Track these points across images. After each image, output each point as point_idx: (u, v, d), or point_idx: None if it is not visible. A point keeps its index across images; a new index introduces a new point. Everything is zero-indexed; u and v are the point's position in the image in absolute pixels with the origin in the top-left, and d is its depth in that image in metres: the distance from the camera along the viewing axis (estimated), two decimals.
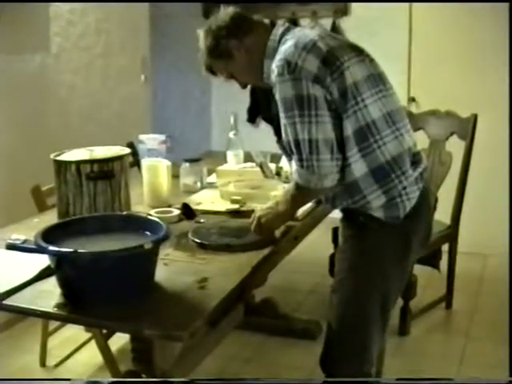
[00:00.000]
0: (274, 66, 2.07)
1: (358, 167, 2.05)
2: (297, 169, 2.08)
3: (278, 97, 2.06)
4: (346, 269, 2.17)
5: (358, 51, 2.16)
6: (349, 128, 2.03)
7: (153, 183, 2.81)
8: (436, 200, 2.32)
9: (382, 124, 2.06)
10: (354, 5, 4.87)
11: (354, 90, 2.04)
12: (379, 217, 2.10)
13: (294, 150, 2.06)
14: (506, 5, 4.21)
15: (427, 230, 2.26)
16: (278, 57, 2.07)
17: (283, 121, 2.07)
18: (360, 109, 2.03)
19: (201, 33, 2.25)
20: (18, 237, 2.24)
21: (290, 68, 2.01)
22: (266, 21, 2.22)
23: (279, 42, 2.15)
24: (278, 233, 2.35)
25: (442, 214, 3.73)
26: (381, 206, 2.08)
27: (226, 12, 2.23)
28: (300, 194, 2.16)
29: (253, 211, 2.61)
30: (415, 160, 2.14)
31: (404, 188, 2.08)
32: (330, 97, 2.02)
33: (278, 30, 2.19)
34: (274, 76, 2.06)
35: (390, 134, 2.07)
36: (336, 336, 2.19)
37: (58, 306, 1.81)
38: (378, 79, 2.14)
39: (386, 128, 2.07)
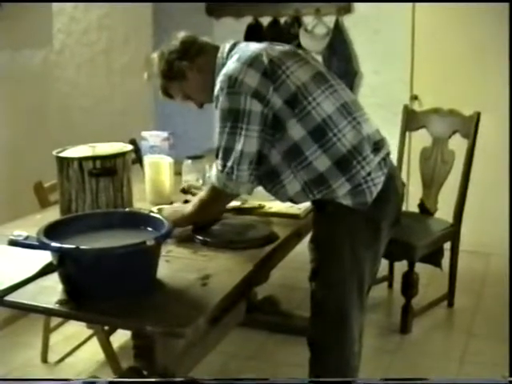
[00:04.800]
0: (218, 80, 2.18)
1: (322, 162, 2.14)
2: (217, 173, 2.20)
3: (218, 107, 2.17)
4: (321, 258, 2.26)
5: (301, 55, 2.27)
6: (302, 129, 2.13)
7: (155, 180, 2.81)
8: (403, 184, 2.41)
9: (338, 117, 2.15)
10: (357, 3, 4.86)
11: (304, 91, 2.14)
12: (347, 204, 2.17)
13: (219, 155, 2.18)
14: (506, 5, 4.20)
15: (396, 212, 2.33)
16: (222, 72, 2.18)
17: (217, 129, 2.19)
18: (313, 107, 2.13)
19: (155, 57, 2.38)
20: (20, 233, 2.24)
21: (231, 82, 2.12)
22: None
23: (227, 58, 2.25)
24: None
25: (445, 213, 3.74)
26: (347, 194, 2.16)
27: (176, 37, 2.35)
28: (212, 197, 2.27)
29: (255, 208, 2.63)
30: (377, 147, 2.21)
31: (368, 174, 2.16)
32: (269, 110, 2.12)
33: (225, 47, 2.30)
34: (216, 90, 2.18)
35: (347, 124, 2.16)
36: (319, 321, 2.30)
37: (60, 302, 1.81)
38: (326, 76, 2.24)
39: (342, 120, 2.16)
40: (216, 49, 2.32)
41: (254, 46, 2.24)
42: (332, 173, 2.14)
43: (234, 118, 2.13)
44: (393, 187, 2.26)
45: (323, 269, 2.25)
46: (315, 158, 2.13)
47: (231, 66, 2.16)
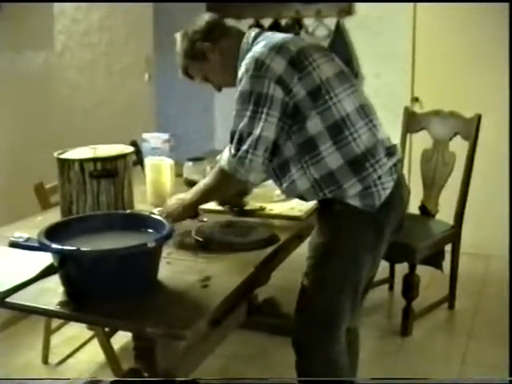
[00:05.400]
0: (244, 63, 2.16)
1: (334, 159, 2.12)
2: (229, 157, 2.16)
3: (239, 89, 2.15)
4: (320, 254, 2.23)
5: (326, 51, 2.28)
6: (320, 123, 2.11)
7: (156, 182, 2.81)
8: (409, 193, 2.40)
9: (356, 117, 2.15)
10: (357, 4, 4.86)
11: (328, 86, 2.13)
12: (356, 205, 2.16)
13: (234, 139, 2.15)
14: (506, 5, 4.21)
15: (399, 220, 2.32)
16: (249, 55, 2.17)
17: (235, 112, 2.16)
18: (334, 103, 2.13)
19: (178, 36, 2.37)
20: (21, 235, 2.24)
21: (257, 65, 2.10)
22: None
23: (252, 44, 2.24)
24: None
25: (445, 215, 3.74)
26: (356, 194, 2.15)
27: (202, 18, 2.36)
28: (220, 181, 2.23)
29: (257, 210, 2.63)
30: (389, 152, 2.21)
31: (379, 177, 2.15)
32: (290, 100, 2.10)
33: (251, 33, 2.29)
34: (240, 72, 2.17)
35: (363, 125, 2.16)
36: (305, 319, 2.29)
37: (61, 303, 1.81)
38: (348, 75, 2.25)
39: (359, 120, 2.16)
40: (241, 34, 2.31)
41: (281, 35, 2.24)
42: (343, 172, 2.12)
43: (255, 102, 2.10)
44: (399, 194, 2.25)
45: (322, 266, 2.23)
46: (328, 154, 2.12)
47: (258, 50, 2.14)
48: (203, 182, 2.31)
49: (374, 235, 2.22)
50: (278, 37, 2.21)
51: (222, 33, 2.31)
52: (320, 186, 2.16)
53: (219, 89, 2.44)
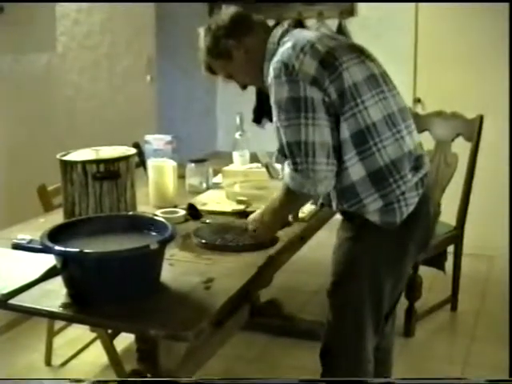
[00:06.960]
0: (272, 68, 2.04)
1: (356, 171, 2.01)
2: (290, 173, 2.03)
3: (272, 99, 2.03)
4: (341, 272, 2.16)
5: (359, 51, 2.13)
6: (346, 131, 1.99)
7: (159, 183, 2.81)
8: (439, 205, 2.28)
9: (383, 126, 2.02)
10: (360, 5, 4.87)
11: (354, 91, 2.00)
12: (374, 221, 2.06)
13: (287, 153, 2.01)
14: (506, 5, 4.21)
15: (426, 236, 2.21)
16: (276, 59, 2.05)
17: (277, 124, 2.03)
18: (360, 111, 2.00)
19: (201, 32, 2.24)
20: (23, 237, 2.24)
21: (288, 70, 1.98)
22: (272, 21, 2.23)
23: (278, 44, 2.12)
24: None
25: (448, 216, 3.73)
26: (377, 210, 2.05)
27: (226, 12, 2.21)
28: (291, 199, 2.12)
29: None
30: (417, 164, 2.09)
31: (402, 193, 2.04)
32: (328, 99, 1.98)
33: (278, 31, 2.17)
34: (270, 78, 2.05)
35: (390, 136, 2.03)
36: (332, 337, 2.23)
37: (64, 305, 1.82)
38: (379, 80, 2.10)
39: (386, 131, 2.03)
40: (267, 31, 2.18)
41: (308, 34, 2.13)
42: (364, 185, 2.02)
43: (296, 108, 1.96)
44: (425, 210, 2.13)
45: (342, 286, 2.16)
46: (351, 164, 2.01)
47: (286, 52, 2.02)
48: (278, 200, 2.16)
49: (396, 253, 2.12)
50: (306, 36, 2.09)
51: (247, 29, 2.17)
52: (339, 199, 2.08)
53: (244, 87, 2.31)
